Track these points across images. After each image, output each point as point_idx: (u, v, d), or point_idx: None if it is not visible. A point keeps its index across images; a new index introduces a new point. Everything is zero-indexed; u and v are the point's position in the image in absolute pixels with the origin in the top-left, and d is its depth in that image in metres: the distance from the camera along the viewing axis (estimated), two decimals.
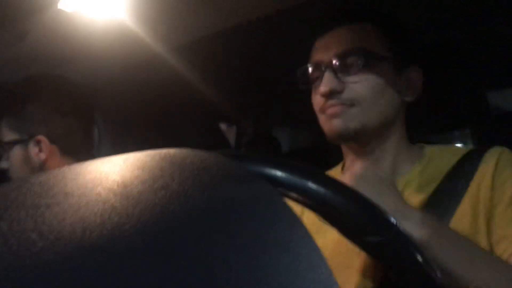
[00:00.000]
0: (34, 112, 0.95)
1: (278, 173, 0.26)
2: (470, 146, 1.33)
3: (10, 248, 0.15)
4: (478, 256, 0.57)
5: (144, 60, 1.11)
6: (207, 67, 1.21)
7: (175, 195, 0.18)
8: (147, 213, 0.17)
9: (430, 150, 0.76)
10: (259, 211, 0.20)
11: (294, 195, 0.26)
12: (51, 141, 0.93)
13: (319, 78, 0.73)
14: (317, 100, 0.75)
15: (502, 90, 1.46)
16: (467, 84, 0.89)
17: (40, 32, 0.93)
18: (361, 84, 0.70)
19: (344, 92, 0.70)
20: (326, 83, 0.70)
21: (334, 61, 0.71)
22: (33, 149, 0.93)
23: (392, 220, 0.28)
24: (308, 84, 0.77)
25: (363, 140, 0.73)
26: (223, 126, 1.83)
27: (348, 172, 0.61)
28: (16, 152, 0.94)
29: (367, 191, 0.48)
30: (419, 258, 0.29)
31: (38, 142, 0.93)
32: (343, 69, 0.71)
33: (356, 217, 0.27)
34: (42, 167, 0.93)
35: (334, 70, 0.71)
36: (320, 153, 1.26)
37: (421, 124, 0.85)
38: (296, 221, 0.20)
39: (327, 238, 0.70)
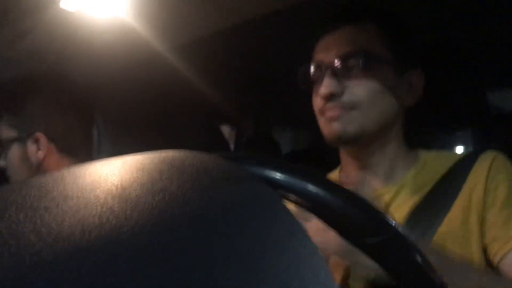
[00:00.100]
0: (33, 110, 0.94)
1: (278, 175, 0.26)
2: (470, 146, 1.33)
3: (9, 249, 0.15)
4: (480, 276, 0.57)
5: (144, 59, 1.11)
6: (207, 67, 1.21)
7: (173, 197, 0.18)
8: (145, 215, 0.17)
9: (426, 155, 0.76)
10: (258, 213, 0.20)
11: (293, 196, 0.26)
12: (49, 140, 0.93)
13: (320, 79, 0.72)
14: (317, 102, 0.74)
15: (502, 90, 1.46)
16: (467, 84, 0.89)
17: (41, 31, 0.93)
18: (361, 87, 0.70)
19: (344, 95, 0.70)
20: (326, 86, 0.70)
21: (334, 63, 0.71)
22: (31, 147, 0.93)
23: (391, 221, 0.28)
24: (308, 84, 0.77)
25: (362, 144, 0.73)
26: (223, 126, 1.83)
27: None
28: (14, 150, 0.94)
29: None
30: (419, 258, 0.29)
31: (37, 140, 0.93)
32: (344, 71, 0.70)
33: (355, 218, 0.27)
34: (40, 166, 0.93)
35: (335, 72, 0.70)
36: (320, 154, 1.26)
37: (421, 124, 0.85)
38: (295, 221, 0.20)
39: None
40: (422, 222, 0.66)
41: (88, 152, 1.01)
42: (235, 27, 0.93)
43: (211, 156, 0.23)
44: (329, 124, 0.72)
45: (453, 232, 0.64)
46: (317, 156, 1.19)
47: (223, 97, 1.42)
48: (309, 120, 0.79)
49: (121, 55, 1.09)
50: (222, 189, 0.20)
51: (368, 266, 0.53)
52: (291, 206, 0.23)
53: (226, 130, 1.88)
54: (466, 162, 0.70)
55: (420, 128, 0.86)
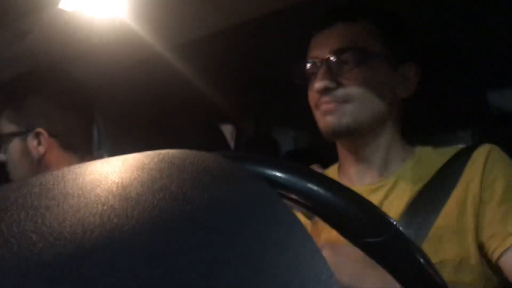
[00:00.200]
0: (34, 105, 0.94)
1: (278, 174, 0.26)
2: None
3: (10, 249, 0.15)
4: None
5: (144, 59, 1.11)
6: (207, 67, 1.21)
7: (174, 196, 0.19)
8: (146, 214, 0.17)
9: (422, 149, 0.77)
10: (258, 212, 0.20)
11: (293, 196, 0.26)
12: (50, 135, 0.93)
13: (315, 74, 0.74)
14: (312, 96, 0.76)
15: (502, 90, 1.47)
16: (468, 84, 0.89)
17: (41, 31, 0.93)
18: (355, 81, 0.71)
19: (338, 88, 0.71)
20: (320, 80, 0.71)
21: (329, 58, 0.72)
22: (32, 142, 0.93)
23: (391, 220, 0.28)
24: (304, 80, 0.78)
25: (357, 136, 0.74)
26: (223, 126, 1.83)
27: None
28: (15, 145, 0.94)
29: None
30: (419, 258, 0.29)
31: (37, 135, 0.92)
32: (338, 66, 0.72)
33: (355, 218, 0.27)
34: (40, 161, 0.93)
35: (329, 67, 0.72)
36: (320, 153, 1.26)
37: (421, 124, 0.85)
38: (295, 221, 0.20)
39: (320, 236, 0.71)
40: (419, 216, 0.66)
41: (88, 149, 1.01)
42: (235, 27, 0.93)
43: (212, 155, 0.23)
44: (324, 117, 0.73)
45: (449, 226, 0.64)
46: (317, 155, 1.19)
47: (223, 97, 1.42)
48: (309, 120, 0.79)
49: (121, 55, 1.09)
50: (222, 188, 0.20)
51: None
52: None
53: (228, 129, 1.88)
54: (462, 156, 0.70)
55: (420, 128, 0.86)
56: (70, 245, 0.16)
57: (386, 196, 0.72)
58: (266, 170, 0.26)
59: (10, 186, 0.20)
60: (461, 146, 0.75)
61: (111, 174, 0.20)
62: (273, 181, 0.25)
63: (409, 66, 0.75)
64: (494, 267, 0.63)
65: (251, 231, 0.18)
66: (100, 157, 0.24)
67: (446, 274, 0.62)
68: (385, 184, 0.73)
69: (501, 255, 0.61)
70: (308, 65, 0.76)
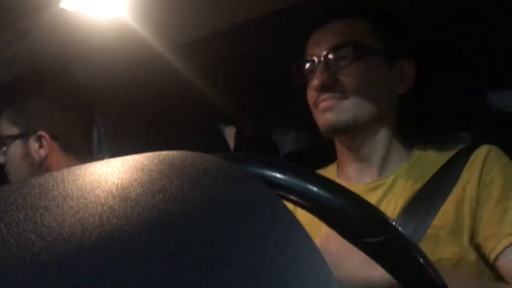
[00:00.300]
0: (36, 106, 0.94)
1: (277, 175, 0.26)
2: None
3: (9, 249, 0.15)
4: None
5: (144, 59, 1.11)
6: (207, 67, 1.21)
7: (173, 197, 0.19)
8: (145, 215, 0.17)
9: (421, 148, 0.77)
10: (258, 212, 0.20)
11: (293, 197, 0.26)
12: (52, 138, 0.93)
13: (313, 72, 0.74)
14: (311, 94, 0.76)
15: (502, 90, 1.46)
16: (468, 84, 0.89)
17: (41, 31, 0.93)
18: (352, 77, 0.71)
19: (336, 85, 0.71)
20: (318, 77, 0.72)
21: (326, 55, 0.72)
22: (33, 145, 0.92)
23: (391, 220, 0.28)
24: (303, 79, 0.78)
25: (355, 133, 0.74)
26: (223, 127, 1.83)
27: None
28: (16, 147, 0.93)
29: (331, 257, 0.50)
30: (419, 258, 0.29)
31: (39, 138, 0.92)
32: (335, 63, 0.72)
33: (355, 218, 0.27)
34: (42, 164, 0.92)
35: (326, 64, 0.72)
36: (320, 154, 1.26)
37: (421, 124, 0.85)
38: (295, 221, 0.20)
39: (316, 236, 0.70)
40: (417, 215, 0.66)
41: (88, 151, 1.01)
42: (235, 27, 0.93)
43: (211, 156, 0.23)
44: (323, 114, 0.73)
45: (447, 226, 0.65)
46: (317, 156, 1.19)
47: (223, 97, 1.42)
48: (309, 121, 0.80)
49: (121, 55, 1.09)
50: (222, 189, 0.20)
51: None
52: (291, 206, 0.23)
53: (231, 131, 1.87)
54: (461, 156, 0.71)
55: (419, 128, 0.86)
56: (69, 246, 0.16)
57: (384, 195, 0.72)
58: (266, 171, 0.26)
59: (10, 186, 0.20)
60: (460, 146, 0.75)
61: (110, 175, 0.20)
62: (272, 182, 0.26)
63: (405, 62, 0.75)
64: (491, 266, 0.64)
65: (251, 231, 0.18)
66: (101, 159, 0.24)
67: None
68: (383, 183, 0.73)
69: (497, 256, 0.61)
70: (306, 64, 0.77)
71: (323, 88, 0.72)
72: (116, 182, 0.19)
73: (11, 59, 1.05)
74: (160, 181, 0.20)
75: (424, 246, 0.63)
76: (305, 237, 0.20)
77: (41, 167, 0.92)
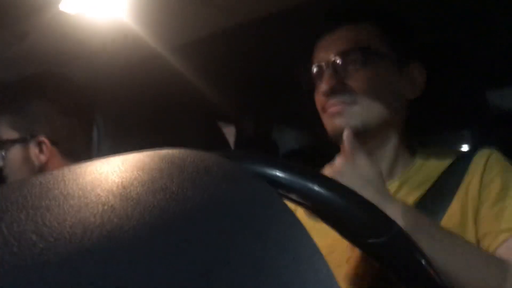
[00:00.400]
0: (36, 111, 0.93)
1: (278, 174, 0.26)
2: (470, 146, 1.33)
3: (10, 249, 0.15)
4: (459, 247, 0.57)
5: (144, 60, 1.11)
6: (207, 67, 1.21)
7: (174, 196, 0.18)
8: (146, 214, 0.17)
9: (424, 152, 0.77)
10: (259, 212, 0.20)
11: (293, 196, 0.26)
12: (52, 143, 0.91)
13: (321, 77, 0.74)
14: (319, 99, 0.75)
15: (502, 90, 1.46)
16: (468, 84, 0.89)
17: (41, 32, 0.93)
18: (361, 82, 0.71)
19: (344, 90, 0.71)
20: (326, 82, 0.71)
21: (334, 60, 0.72)
22: (33, 150, 0.91)
23: (392, 221, 0.28)
24: (311, 85, 0.78)
25: (364, 138, 0.73)
26: (223, 126, 1.83)
27: (328, 168, 0.62)
28: (15, 152, 0.92)
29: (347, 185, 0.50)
30: (420, 258, 0.29)
31: (40, 143, 0.91)
32: (344, 68, 0.72)
33: (356, 219, 0.27)
34: (41, 169, 0.91)
35: (335, 69, 0.72)
36: (320, 153, 1.26)
37: (421, 124, 0.85)
38: (295, 221, 0.20)
39: (321, 237, 0.70)
40: None
41: (89, 154, 1.00)
42: (235, 27, 0.93)
43: (212, 155, 0.23)
44: (332, 120, 0.73)
45: (452, 229, 0.65)
46: (318, 155, 1.19)
47: (223, 97, 1.42)
48: (310, 120, 0.79)
49: (121, 55, 1.09)
50: (222, 188, 0.20)
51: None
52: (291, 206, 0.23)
53: (231, 130, 1.87)
54: (463, 160, 0.71)
55: (420, 128, 0.86)
56: (70, 246, 0.16)
57: None
58: (267, 170, 0.26)
59: (11, 186, 0.20)
60: (462, 147, 0.75)
61: (111, 174, 0.20)
62: (273, 181, 0.25)
63: (414, 67, 0.75)
64: None
65: (251, 231, 0.18)
66: None
67: None
68: (389, 188, 0.73)
69: (495, 250, 0.62)
70: (314, 69, 0.76)
71: (332, 93, 0.71)
72: (117, 181, 0.19)
73: (10, 61, 1.04)
74: (161, 180, 0.19)
75: None
76: (306, 237, 0.20)
77: (41, 172, 0.92)
